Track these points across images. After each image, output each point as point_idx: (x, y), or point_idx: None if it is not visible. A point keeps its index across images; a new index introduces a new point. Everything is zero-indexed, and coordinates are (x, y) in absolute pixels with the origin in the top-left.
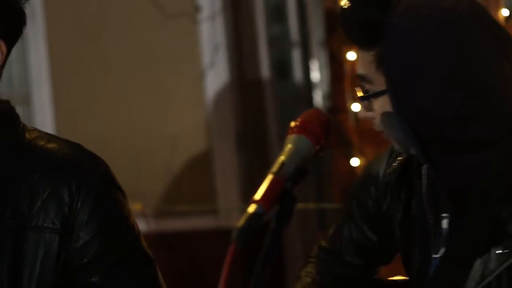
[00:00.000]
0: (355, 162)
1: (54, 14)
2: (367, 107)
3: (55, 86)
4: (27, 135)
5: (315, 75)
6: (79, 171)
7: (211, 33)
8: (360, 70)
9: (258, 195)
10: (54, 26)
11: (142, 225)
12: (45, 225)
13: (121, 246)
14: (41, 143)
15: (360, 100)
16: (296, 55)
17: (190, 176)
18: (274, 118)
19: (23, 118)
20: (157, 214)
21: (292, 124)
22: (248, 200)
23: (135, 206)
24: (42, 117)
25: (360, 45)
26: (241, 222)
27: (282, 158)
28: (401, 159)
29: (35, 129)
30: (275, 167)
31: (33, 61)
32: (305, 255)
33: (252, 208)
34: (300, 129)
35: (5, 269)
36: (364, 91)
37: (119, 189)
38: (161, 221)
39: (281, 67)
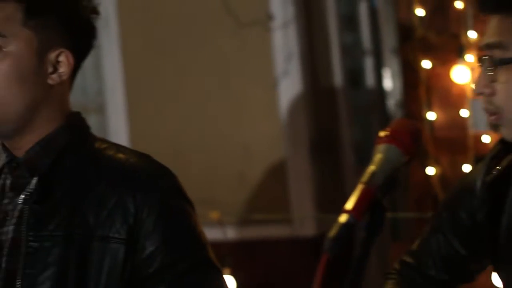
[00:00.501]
0: (430, 171)
1: (128, 23)
2: (490, 79)
3: (129, 95)
4: (96, 145)
5: (388, 83)
6: (145, 181)
7: (284, 41)
8: (490, 38)
9: (349, 205)
10: (128, 35)
11: (218, 234)
12: (111, 235)
13: (187, 256)
14: (110, 153)
15: (488, 68)
16: (368, 63)
17: (264, 185)
18: (347, 126)
19: (97, 127)
20: (231, 223)
21: (382, 133)
22: (322, 209)
23: (213, 215)
24: (116, 126)
25: (501, 9)
26: (332, 232)
27: (372, 167)
28: (502, 167)
29: (105, 140)
30: (365, 177)
31: (107, 70)
32: (378, 265)
33: (343, 218)
34: (390, 139)
35: (72, 279)
36: (493, 60)
37: (186, 200)
38: (235, 229)
39: (354, 75)
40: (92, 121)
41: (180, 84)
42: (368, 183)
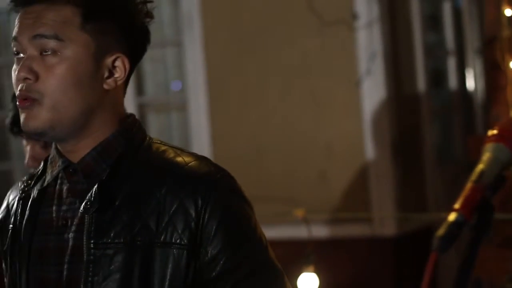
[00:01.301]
0: None
1: (211, 21)
2: None
3: (211, 93)
4: (154, 148)
5: (471, 83)
6: (205, 184)
7: (368, 40)
8: None
9: (458, 204)
10: (211, 34)
11: (300, 232)
12: (173, 241)
13: (249, 259)
14: (169, 156)
15: None
16: (451, 64)
17: (345, 184)
18: (429, 126)
19: (179, 125)
20: (311, 221)
21: (490, 132)
22: (402, 208)
23: (297, 212)
24: (198, 123)
25: None
26: (441, 230)
27: (481, 166)
28: None
29: (161, 142)
30: (474, 176)
31: (190, 68)
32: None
33: (452, 216)
34: (498, 138)
35: (135, 285)
36: None
37: (246, 201)
38: (315, 228)
39: (436, 76)
40: (173, 119)
41: (262, 83)
42: (477, 182)
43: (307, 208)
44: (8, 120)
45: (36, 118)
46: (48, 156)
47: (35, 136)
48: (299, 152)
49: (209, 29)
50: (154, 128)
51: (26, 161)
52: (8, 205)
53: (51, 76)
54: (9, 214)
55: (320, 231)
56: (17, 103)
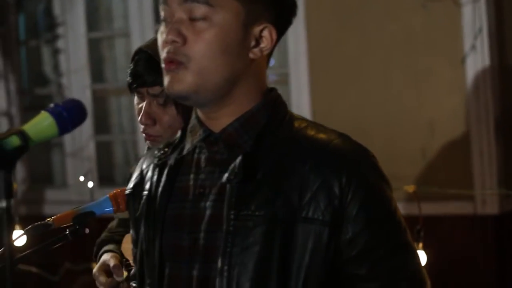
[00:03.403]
0: None
1: None
2: None
3: (312, 67)
4: (296, 124)
5: None
6: (350, 163)
7: (474, 16)
8: None
9: None
10: (313, 8)
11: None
12: (315, 217)
13: (390, 240)
14: (311, 133)
15: None
16: None
17: (447, 161)
18: None
19: None
20: (413, 198)
21: None
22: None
23: (409, 189)
24: (299, 97)
25: None
26: None
27: None
28: None
29: (302, 118)
30: None
31: (291, 42)
32: None
33: None
34: None
35: (275, 259)
36: None
37: (387, 181)
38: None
39: None
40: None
41: (364, 59)
42: None
43: (407, 185)
44: (127, 76)
45: (181, 82)
46: (186, 125)
47: (178, 100)
48: (400, 128)
49: (311, 3)
50: None
51: (139, 117)
52: (142, 172)
53: (199, 41)
54: (143, 181)
55: (422, 208)
56: (163, 65)
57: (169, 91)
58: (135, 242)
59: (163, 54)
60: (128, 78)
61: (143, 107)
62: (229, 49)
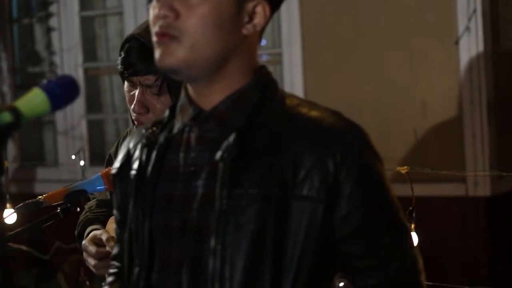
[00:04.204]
0: None
1: None
2: None
3: (305, 47)
4: (287, 102)
5: None
6: (344, 140)
7: None
8: None
9: None
10: None
11: (399, 189)
12: (310, 194)
13: (383, 218)
14: (303, 110)
15: None
16: None
17: (439, 142)
18: None
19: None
20: (405, 179)
21: None
22: (497, 169)
23: (401, 169)
24: (292, 77)
25: None
26: None
27: None
28: None
29: (293, 95)
30: None
31: (285, 22)
32: None
33: None
34: None
35: (270, 237)
36: None
37: (379, 159)
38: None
39: None
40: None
41: (358, 39)
42: None
43: (399, 165)
44: (118, 64)
45: (173, 55)
46: (175, 103)
47: (169, 73)
48: (393, 108)
49: None
50: None
51: (132, 106)
52: (129, 151)
53: (192, 15)
54: (130, 160)
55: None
56: (154, 38)
57: (160, 64)
58: (120, 223)
59: (155, 28)
60: (120, 67)
61: (136, 95)
62: (222, 24)
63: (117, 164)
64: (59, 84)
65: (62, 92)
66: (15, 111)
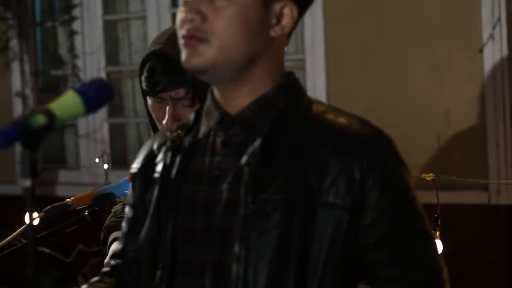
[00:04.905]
0: None
1: None
2: None
3: (329, 53)
4: (314, 108)
5: None
6: (370, 148)
7: (492, 6)
8: None
9: None
10: None
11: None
12: (335, 202)
13: (409, 226)
14: (330, 117)
15: None
16: None
17: (462, 150)
18: None
19: None
20: (429, 187)
21: None
22: None
23: (427, 177)
24: (315, 83)
25: None
26: None
27: None
28: None
29: (320, 102)
30: None
31: (308, 27)
32: None
33: None
34: None
35: (294, 243)
36: None
37: (406, 167)
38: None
39: None
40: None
41: (381, 46)
42: None
43: (422, 173)
44: (142, 83)
45: (201, 56)
46: (201, 107)
47: (196, 74)
48: (415, 117)
49: None
50: None
51: (164, 121)
52: (152, 152)
53: (219, 18)
54: (153, 162)
55: (434, 197)
56: (181, 41)
57: (186, 65)
58: (131, 221)
59: (182, 31)
60: (145, 86)
61: (167, 110)
62: (249, 26)
63: (137, 164)
64: (93, 87)
65: (95, 95)
66: (49, 114)
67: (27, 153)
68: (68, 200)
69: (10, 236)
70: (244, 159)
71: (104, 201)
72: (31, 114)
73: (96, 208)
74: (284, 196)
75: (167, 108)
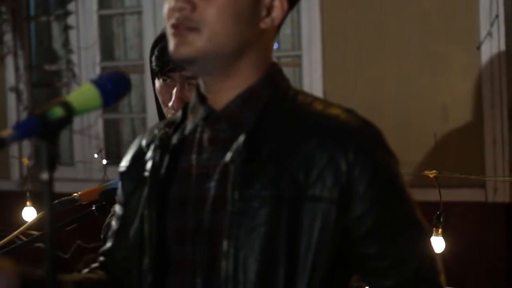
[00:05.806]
0: None
1: None
2: None
3: (325, 49)
4: (300, 99)
5: None
6: (357, 139)
7: (490, 3)
8: None
9: None
10: None
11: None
12: (322, 194)
13: (399, 217)
14: (316, 108)
15: None
16: None
17: (459, 147)
18: None
19: (292, 79)
20: (423, 184)
21: None
22: None
23: (430, 174)
24: (311, 79)
25: None
26: None
27: None
28: None
29: (306, 93)
30: None
31: (305, 23)
32: None
33: None
34: None
35: (283, 239)
36: None
37: (394, 157)
38: (427, 190)
39: None
40: (287, 74)
41: (379, 42)
42: None
43: (419, 170)
44: (152, 63)
45: (190, 45)
46: (187, 104)
47: (184, 64)
48: (413, 113)
49: None
50: None
51: (171, 103)
52: (141, 151)
53: (209, 7)
54: (143, 160)
55: (430, 194)
56: (170, 31)
57: (174, 54)
58: (121, 219)
59: (170, 21)
60: (155, 66)
61: (175, 92)
62: (240, 16)
63: (126, 162)
64: (110, 79)
65: (113, 88)
66: (67, 106)
67: (45, 145)
68: (75, 194)
69: (15, 233)
70: (229, 156)
71: (111, 195)
72: (49, 106)
73: (103, 203)
74: (271, 192)
75: (175, 90)
